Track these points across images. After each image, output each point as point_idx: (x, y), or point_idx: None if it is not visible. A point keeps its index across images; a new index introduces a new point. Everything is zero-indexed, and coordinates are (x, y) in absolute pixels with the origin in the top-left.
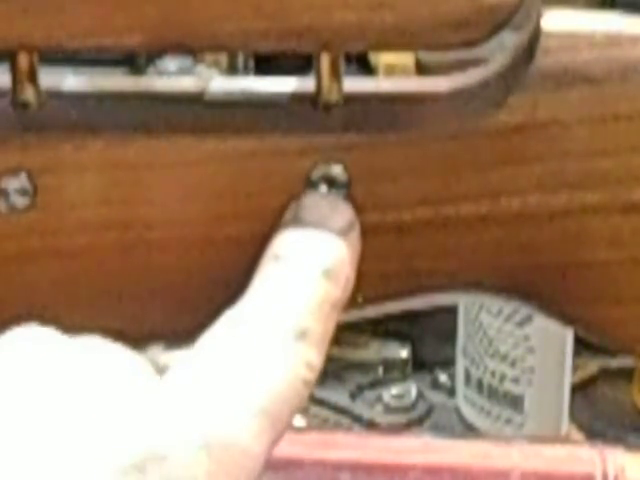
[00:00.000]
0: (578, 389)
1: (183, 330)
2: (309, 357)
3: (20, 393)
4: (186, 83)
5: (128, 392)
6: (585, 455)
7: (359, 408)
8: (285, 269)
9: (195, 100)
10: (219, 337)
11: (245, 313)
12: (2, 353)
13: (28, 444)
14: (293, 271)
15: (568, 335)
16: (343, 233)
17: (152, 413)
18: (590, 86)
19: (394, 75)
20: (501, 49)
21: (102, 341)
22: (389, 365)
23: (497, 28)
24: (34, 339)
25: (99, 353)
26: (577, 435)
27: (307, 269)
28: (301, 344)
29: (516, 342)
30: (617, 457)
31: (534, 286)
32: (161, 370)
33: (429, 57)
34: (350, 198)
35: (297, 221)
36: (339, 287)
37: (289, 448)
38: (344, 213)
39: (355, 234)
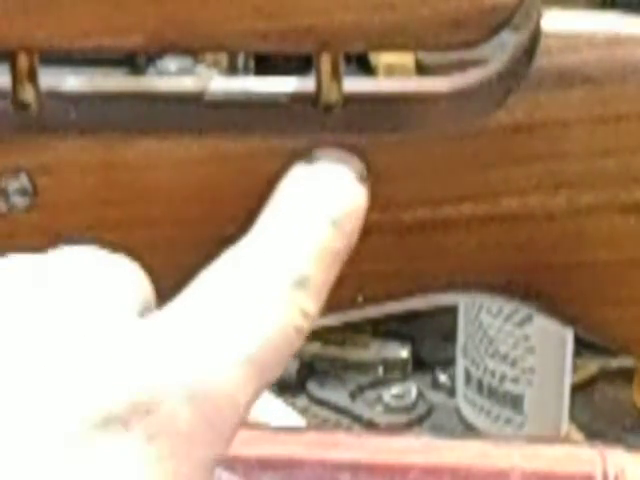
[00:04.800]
0: (578, 389)
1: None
2: (305, 305)
3: None
4: (186, 83)
5: (110, 334)
6: (585, 455)
7: (359, 408)
8: (292, 213)
9: (195, 100)
10: (214, 278)
11: (246, 254)
12: None
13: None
14: (301, 215)
15: (568, 335)
16: (357, 180)
17: (135, 360)
18: (590, 86)
19: (394, 75)
20: (501, 49)
21: (89, 258)
22: (389, 365)
23: (497, 28)
24: (5, 270)
25: (81, 281)
26: (577, 435)
27: (315, 216)
28: (299, 291)
29: (516, 342)
30: (617, 457)
31: (534, 286)
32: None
33: (429, 57)
34: None
35: (310, 160)
36: (344, 237)
37: (289, 448)
38: (357, 163)
39: (363, 189)
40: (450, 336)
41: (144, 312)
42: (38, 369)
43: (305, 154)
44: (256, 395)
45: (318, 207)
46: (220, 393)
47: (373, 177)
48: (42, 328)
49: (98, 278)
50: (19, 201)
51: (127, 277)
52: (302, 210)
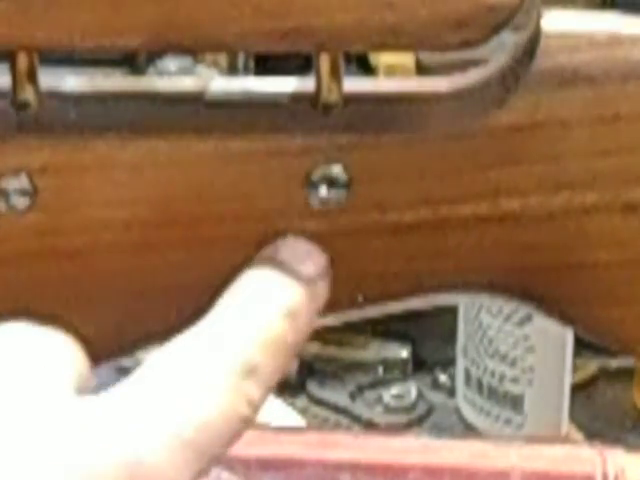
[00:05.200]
0: (578, 389)
1: (183, 330)
2: (252, 394)
3: None
4: (186, 83)
5: (49, 414)
6: (585, 455)
7: (359, 408)
8: (248, 301)
9: (195, 100)
10: (164, 361)
11: (197, 339)
12: None
13: None
14: (256, 305)
15: (568, 335)
16: (312, 281)
17: (74, 440)
18: (590, 86)
19: (394, 75)
20: (501, 49)
21: (22, 336)
22: (389, 365)
23: (497, 28)
24: None
25: (15, 360)
26: (577, 435)
27: (270, 306)
28: (247, 380)
29: (516, 342)
30: (617, 457)
31: (534, 286)
32: None
33: (429, 57)
34: (350, 198)
35: (270, 259)
36: (298, 331)
37: (289, 448)
38: (317, 261)
39: (324, 284)
40: (450, 336)
41: (81, 387)
42: None
43: (270, 246)
44: (196, 477)
45: (274, 298)
46: (159, 475)
47: (373, 177)
48: None
49: (31, 356)
50: (19, 201)
51: (61, 353)
52: (258, 300)
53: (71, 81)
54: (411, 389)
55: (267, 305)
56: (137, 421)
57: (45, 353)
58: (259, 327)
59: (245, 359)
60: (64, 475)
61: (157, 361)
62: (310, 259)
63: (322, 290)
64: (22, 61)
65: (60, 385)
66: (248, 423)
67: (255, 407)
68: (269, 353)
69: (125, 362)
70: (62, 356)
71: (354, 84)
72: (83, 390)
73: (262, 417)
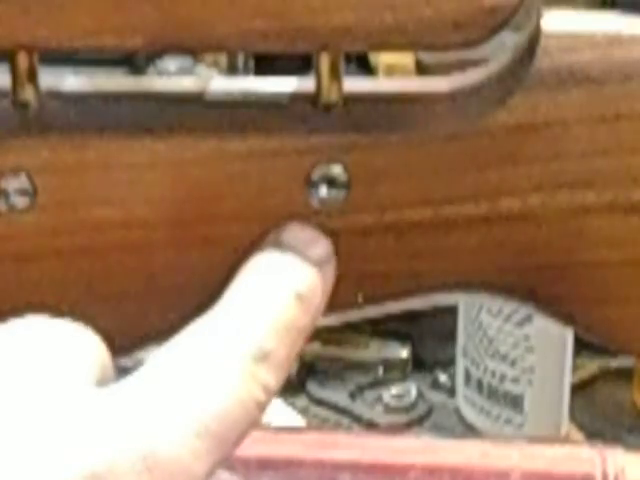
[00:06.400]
0: (578, 389)
1: (183, 330)
2: (267, 380)
3: None
4: (186, 83)
5: (66, 406)
6: (585, 455)
7: (359, 408)
8: (258, 287)
9: (195, 100)
10: (177, 350)
11: (209, 327)
12: None
13: None
14: (266, 290)
15: (568, 335)
16: (319, 264)
17: (93, 431)
18: (590, 86)
19: (394, 75)
20: (501, 49)
21: (44, 329)
22: (389, 365)
23: (497, 28)
24: None
25: (36, 353)
26: (577, 435)
27: (280, 290)
28: (261, 366)
29: (516, 342)
30: (617, 457)
31: (534, 286)
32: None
33: (429, 57)
34: (350, 198)
35: (276, 244)
36: (309, 314)
37: (289, 448)
38: (323, 245)
39: (331, 268)
40: (450, 336)
41: (102, 379)
42: (4, 438)
43: (275, 231)
44: (214, 466)
45: (284, 281)
46: (177, 465)
47: (373, 177)
48: (5, 400)
49: (53, 349)
50: (19, 201)
51: (83, 345)
52: (269, 284)
53: (71, 81)
54: (411, 389)
55: (277, 289)
56: (153, 412)
57: (66, 345)
58: (270, 312)
59: (258, 345)
60: (80, 467)
61: (170, 350)
62: (317, 243)
63: (330, 273)
64: (22, 61)
65: (79, 377)
66: (264, 409)
67: (270, 392)
68: (282, 338)
69: (125, 362)
70: (83, 348)
71: (354, 84)
72: (105, 381)
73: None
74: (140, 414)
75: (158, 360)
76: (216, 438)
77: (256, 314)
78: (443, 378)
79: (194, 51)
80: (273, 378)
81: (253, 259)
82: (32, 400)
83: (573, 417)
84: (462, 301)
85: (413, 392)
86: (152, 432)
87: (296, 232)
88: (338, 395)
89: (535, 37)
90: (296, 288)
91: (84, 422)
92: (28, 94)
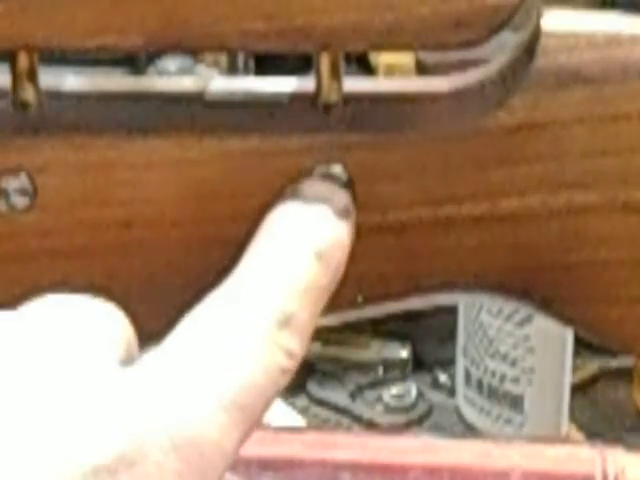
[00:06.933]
0: (578, 389)
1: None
2: (290, 345)
3: None
4: (186, 83)
5: (92, 385)
6: (585, 455)
7: (359, 408)
8: (277, 247)
9: (195, 100)
10: (197, 322)
11: (229, 295)
12: None
13: None
14: (285, 250)
15: (568, 335)
16: (343, 215)
17: (120, 410)
18: (590, 86)
19: (394, 75)
20: (501, 49)
21: (70, 307)
22: (389, 365)
23: (497, 28)
24: None
25: (62, 332)
26: (577, 435)
27: (299, 249)
28: (283, 331)
29: (516, 342)
30: (617, 457)
31: (534, 286)
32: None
33: (429, 57)
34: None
35: (296, 195)
36: (330, 271)
37: (289, 448)
38: (343, 197)
39: (351, 221)
40: (450, 336)
41: (127, 358)
42: (24, 422)
43: (291, 186)
44: (243, 439)
45: (303, 241)
46: (206, 440)
47: (373, 177)
48: (24, 382)
49: (79, 327)
50: (19, 201)
51: (108, 324)
52: (287, 245)
53: (71, 81)
54: (411, 389)
55: (297, 249)
56: (177, 389)
57: (93, 324)
58: (290, 274)
59: (280, 309)
60: (110, 449)
61: (191, 322)
62: (336, 194)
63: (350, 225)
64: (22, 61)
65: (104, 355)
66: (290, 375)
67: (295, 357)
68: (304, 300)
69: None
70: (109, 327)
71: (354, 84)
72: (130, 360)
73: None
74: (165, 391)
75: (179, 334)
76: (243, 410)
77: (276, 277)
78: (443, 378)
79: (194, 51)
80: (297, 342)
81: (272, 215)
82: (59, 381)
83: (573, 417)
84: (462, 301)
85: (413, 392)
86: (179, 408)
87: (315, 185)
88: (338, 395)
89: (535, 37)
90: (316, 246)
91: (111, 401)
92: (28, 94)
